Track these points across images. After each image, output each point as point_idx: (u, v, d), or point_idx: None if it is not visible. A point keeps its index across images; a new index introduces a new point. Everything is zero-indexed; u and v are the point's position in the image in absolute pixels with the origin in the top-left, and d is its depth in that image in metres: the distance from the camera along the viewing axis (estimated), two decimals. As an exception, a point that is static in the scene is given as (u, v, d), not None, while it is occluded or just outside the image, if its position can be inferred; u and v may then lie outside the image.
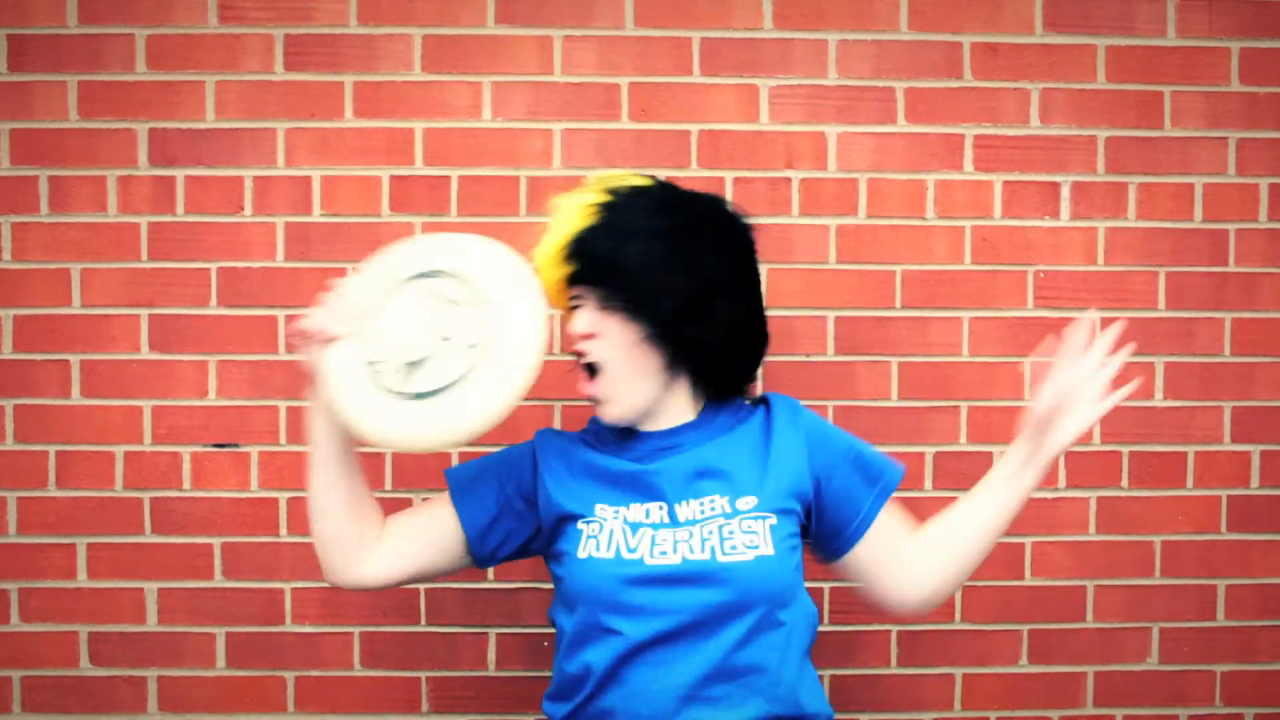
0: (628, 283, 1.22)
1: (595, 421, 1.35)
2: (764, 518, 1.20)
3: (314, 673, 1.72)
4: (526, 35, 1.70)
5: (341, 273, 1.69)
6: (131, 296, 1.70)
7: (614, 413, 1.26)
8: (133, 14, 1.68)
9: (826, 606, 1.73)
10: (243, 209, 1.70)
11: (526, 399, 1.69)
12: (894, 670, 1.74)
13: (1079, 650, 1.75)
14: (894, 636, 1.74)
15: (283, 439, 1.70)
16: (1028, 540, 1.73)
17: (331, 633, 1.72)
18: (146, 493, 1.70)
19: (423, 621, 1.72)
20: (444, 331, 1.16)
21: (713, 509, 1.21)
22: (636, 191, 1.27)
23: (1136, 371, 1.73)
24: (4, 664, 1.71)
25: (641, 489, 1.24)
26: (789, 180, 1.72)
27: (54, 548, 1.70)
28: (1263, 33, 1.73)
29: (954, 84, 1.72)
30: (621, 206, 1.25)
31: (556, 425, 1.70)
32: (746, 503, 1.22)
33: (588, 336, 1.24)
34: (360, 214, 1.70)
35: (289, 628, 1.71)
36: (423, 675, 1.72)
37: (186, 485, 1.70)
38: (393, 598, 1.71)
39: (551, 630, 1.31)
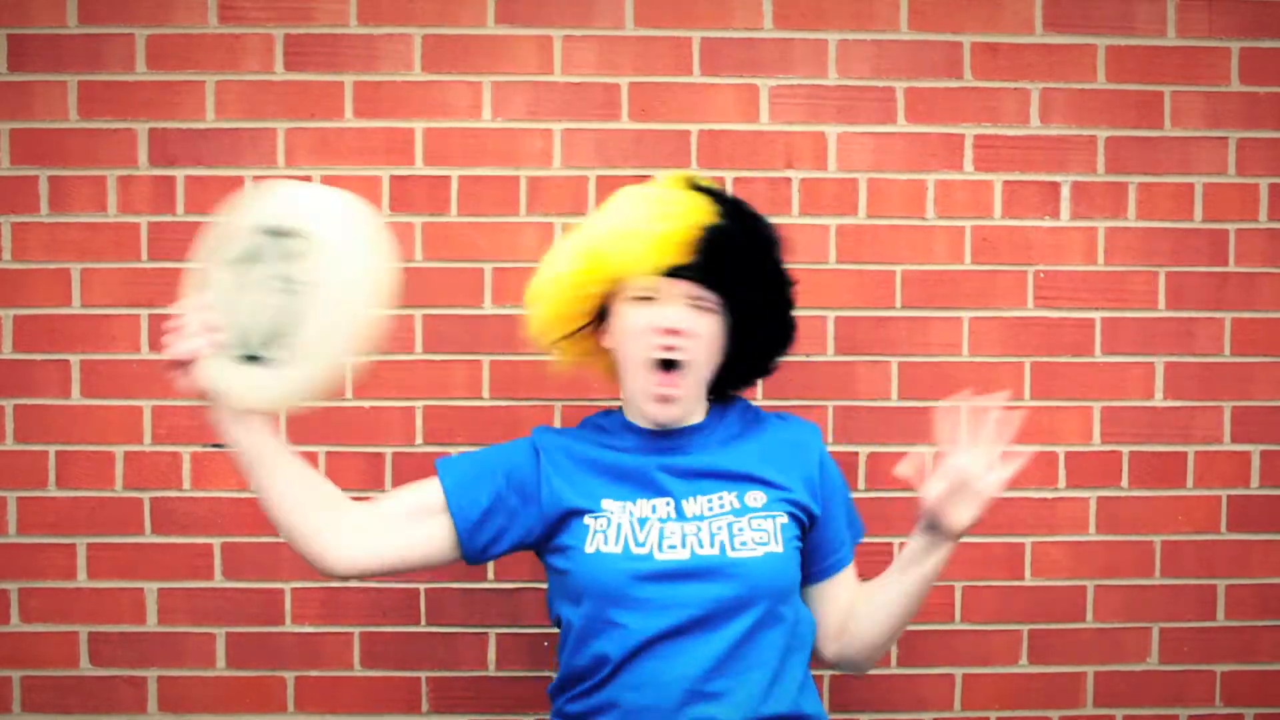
0: (759, 288, 1.26)
1: (601, 417, 1.35)
2: (774, 516, 1.21)
3: (314, 673, 1.72)
4: (526, 35, 1.70)
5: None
6: (131, 296, 1.70)
7: (676, 412, 1.26)
8: (133, 14, 1.68)
9: (826, 606, 1.73)
10: (243, 209, 1.70)
11: (526, 399, 1.70)
12: (894, 670, 1.74)
13: (1079, 650, 1.75)
14: (894, 636, 1.74)
15: (283, 439, 1.69)
16: (1028, 540, 1.73)
17: (331, 633, 1.72)
18: (146, 493, 1.70)
19: (423, 621, 1.72)
20: (290, 289, 1.13)
21: (721, 506, 1.22)
22: (735, 197, 1.32)
23: (1137, 371, 1.74)
24: (4, 664, 1.71)
25: (648, 485, 1.24)
26: (789, 180, 1.72)
27: (54, 548, 1.70)
28: (1263, 33, 1.72)
29: (954, 84, 1.72)
30: (742, 212, 1.27)
31: (557, 425, 1.70)
32: (755, 499, 1.23)
33: (683, 333, 1.22)
34: (360, 214, 1.70)
35: (289, 628, 1.71)
36: (423, 675, 1.72)
37: (186, 485, 1.70)
38: (392, 598, 1.71)
39: (552, 630, 1.31)
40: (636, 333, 1.23)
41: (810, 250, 1.71)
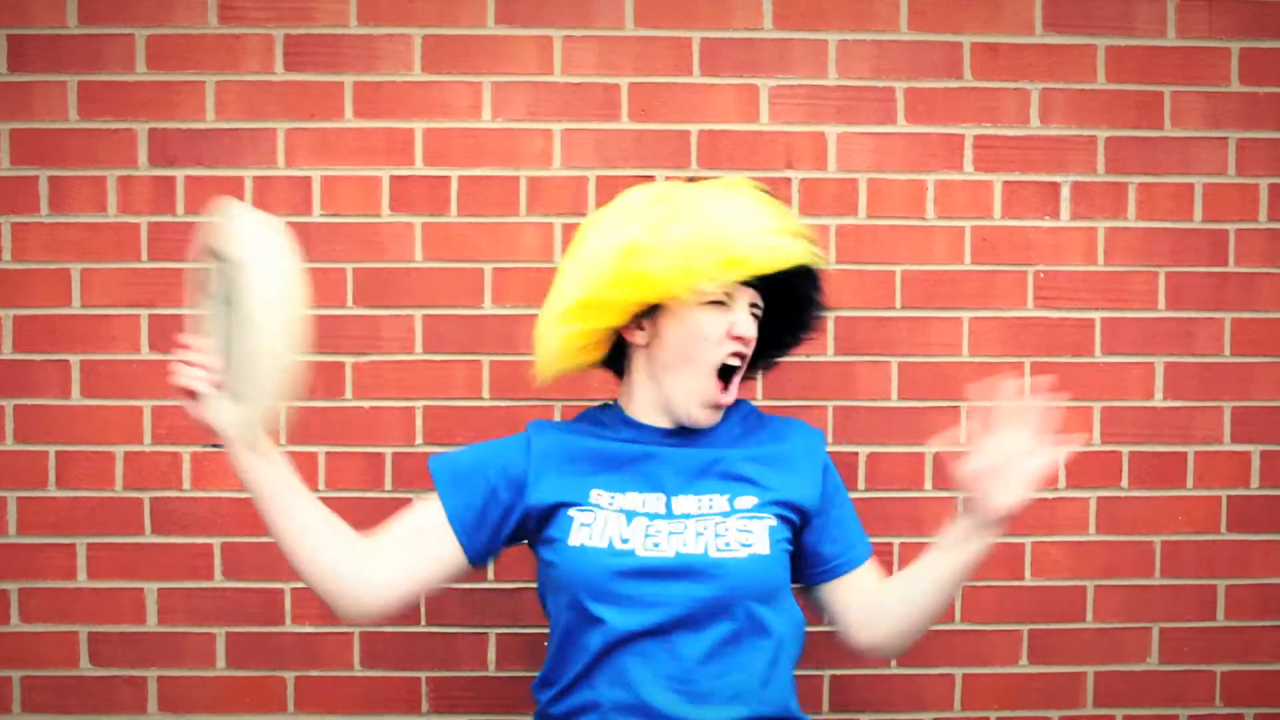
0: (809, 304, 1.31)
1: (599, 410, 1.35)
2: (761, 518, 1.21)
3: (314, 673, 1.72)
4: (526, 35, 1.70)
5: (341, 273, 1.69)
6: (131, 296, 1.70)
7: (718, 417, 1.28)
8: (133, 14, 1.68)
9: (826, 606, 1.73)
10: (243, 209, 1.70)
11: (526, 399, 1.70)
12: (894, 670, 1.74)
13: (1079, 650, 1.75)
14: (894, 636, 1.74)
15: (283, 439, 1.70)
16: (1028, 540, 1.73)
17: (331, 633, 1.72)
18: (146, 493, 1.70)
19: (423, 621, 1.72)
20: (230, 314, 1.12)
21: (710, 506, 1.22)
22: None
23: (1137, 371, 1.74)
24: (4, 664, 1.71)
25: (642, 478, 1.24)
26: (789, 180, 1.72)
27: (54, 548, 1.70)
28: (1263, 33, 1.73)
29: (954, 84, 1.72)
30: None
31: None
32: (745, 502, 1.22)
33: (749, 342, 1.25)
34: (360, 214, 1.70)
35: (289, 628, 1.71)
36: (423, 675, 1.72)
37: (186, 485, 1.70)
38: (393, 598, 1.71)
39: (552, 630, 1.31)
40: (708, 338, 1.22)
41: (810, 250, 1.71)
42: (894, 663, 1.74)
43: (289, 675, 1.72)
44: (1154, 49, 1.72)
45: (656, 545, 1.18)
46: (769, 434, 1.32)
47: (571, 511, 1.22)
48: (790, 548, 1.25)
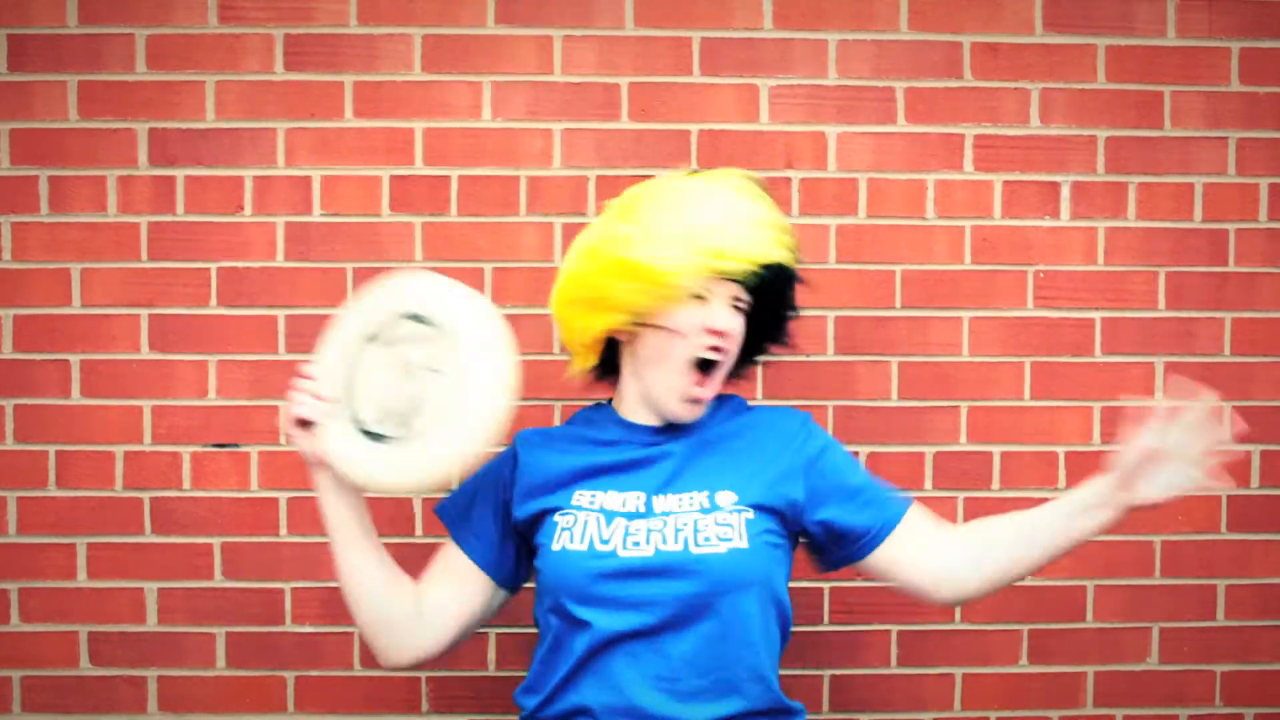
0: (788, 298, 1.31)
1: (591, 410, 1.36)
2: (741, 512, 1.20)
3: (314, 673, 1.72)
4: (526, 35, 1.70)
5: (341, 273, 1.69)
6: (131, 296, 1.70)
7: (700, 413, 1.27)
8: (133, 14, 1.68)
9: (827, 606, 1.73)
10: (243, 209, 1.70)
11: (525, 399, 1.69)
12: (894, 670, 1.74)
13: (1079, 650, 1.75)
14: (894, 636, 1.74)
15: (283, 439, 1.70)
16: (1028, 540, 1.73)
17: (331, 633, 1.72)
18: (146, 493, 1.70)
19: (423, 621, 1.72)
20: (422, 375, 1.17)
21: (690, 504, 1.21)
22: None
23: (1137, 371, 1.74)
24: (4, 664, 1.71)
25: (624, 478, 1.24)
26: (789, 180, 1.72)
27: (54, 548, 1.70)
28: (1263, 33, 1.73)
29: (954, 84, 1.72)
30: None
31: (557, 424, 1.70)
32: (726, 498, 1.22)
33: (728, 335, 1.24)
34: (360, 214, 1.70)
35: (289, 628, 1.71)
36: (422, 675, 1.72)
37: (186, 485, 1.70)
38: (393, 598, 1.71)
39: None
40: (684, 331, 1.21)
41: (810, 250, 1.71)
42: (894, 662, 1.74)
43: (289, 675, 1.72)
44: (1154, 49, 1.72)
45: (637, 544, 1.18)
46: (752, 426, 1.31)
47: (556, 517, 1.23)
48: (778, 540, 1.23)
